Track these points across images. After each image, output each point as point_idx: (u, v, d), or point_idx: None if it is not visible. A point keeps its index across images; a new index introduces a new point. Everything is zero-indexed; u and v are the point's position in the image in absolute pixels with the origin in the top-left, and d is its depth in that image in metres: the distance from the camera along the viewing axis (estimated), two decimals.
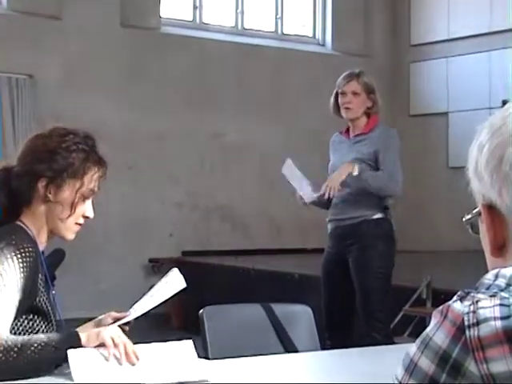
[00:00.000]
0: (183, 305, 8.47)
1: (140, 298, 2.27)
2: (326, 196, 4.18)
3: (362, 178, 4.18)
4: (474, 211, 1.05)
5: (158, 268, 9.05)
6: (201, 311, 2.73)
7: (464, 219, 1.07)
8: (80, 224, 2.27)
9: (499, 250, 1.00)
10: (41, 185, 2.19)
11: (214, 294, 7.49)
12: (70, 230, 2.26)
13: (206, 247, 9.39)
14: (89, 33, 8.65)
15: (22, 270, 2.11)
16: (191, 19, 9.75)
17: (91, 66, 8.67)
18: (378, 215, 4.32)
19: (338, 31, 10.53)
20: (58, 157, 2.19)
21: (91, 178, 2.24)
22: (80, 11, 8.61)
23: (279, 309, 2.87)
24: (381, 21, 10.82)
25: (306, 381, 1.86)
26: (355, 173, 4.16)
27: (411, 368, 0.91)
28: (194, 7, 9.74)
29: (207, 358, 2.33)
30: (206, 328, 2.67)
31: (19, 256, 2.11)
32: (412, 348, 0.93)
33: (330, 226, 4.46)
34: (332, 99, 4.40)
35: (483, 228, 1.03)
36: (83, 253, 7.82)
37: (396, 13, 10.90)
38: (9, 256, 2.10)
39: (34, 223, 2.22)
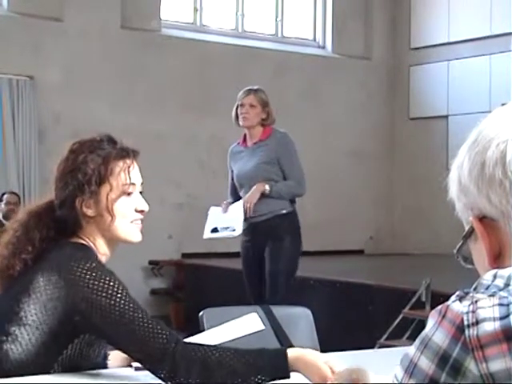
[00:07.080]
0: (183, 307, 8.48)
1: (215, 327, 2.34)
2: (248, 215, 5.01)
3: (275, 192, 4.94)
4: (463, 235, 1.04)
5: (157, 270, 9.05)
6: (201, 313, 2.73)
7: (455, 250, 1.06)
8: (137, 220, 2.20)
9: (497, 258, 1.00)
10: (78, 206, 2.16)
11: (213, 295, 7.49)
12: (128, 231, 2.19)
13: (206, 249, 9.38)
14: (89, 34, 8.66)
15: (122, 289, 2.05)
16: (192, 21, 9.77)
17: (92, 67, 8.68)
18: (287, 209, 5.01)
19: (338, 34, 10.55)
20: (78, 173, 2.15)
21: (118, 176, 2.17)
22: (81, 13, 8.62)
23: (279, 311, 2.87)
24: (381, 23, 10.83)
25: (305, 381, 1.86)
26: (267, 191, 4.95)
27: (411, 368, 0.91)
28: (195, 9, 9.76)
29: None
30: (206, 330, 2.68)
31: (113, 278, 2.06)
32: (411, 348, 0.93)
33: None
34: (233, 110, 5.12)
35: (477, 246, 1.03)
36: None
37: (396, 16, 10.91)
38: (107, 280, 2.04)
39: (90, 239, 2.18)
